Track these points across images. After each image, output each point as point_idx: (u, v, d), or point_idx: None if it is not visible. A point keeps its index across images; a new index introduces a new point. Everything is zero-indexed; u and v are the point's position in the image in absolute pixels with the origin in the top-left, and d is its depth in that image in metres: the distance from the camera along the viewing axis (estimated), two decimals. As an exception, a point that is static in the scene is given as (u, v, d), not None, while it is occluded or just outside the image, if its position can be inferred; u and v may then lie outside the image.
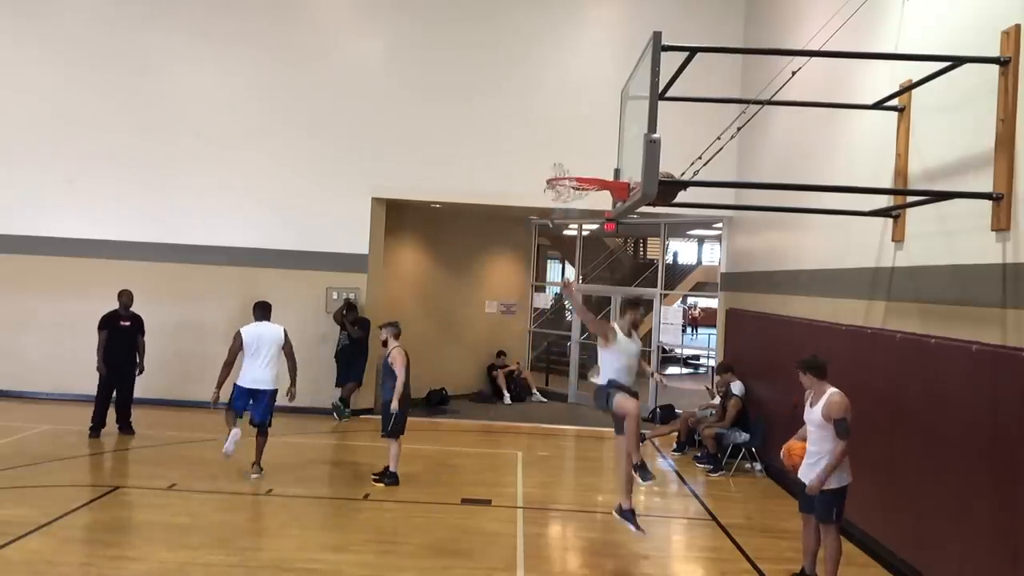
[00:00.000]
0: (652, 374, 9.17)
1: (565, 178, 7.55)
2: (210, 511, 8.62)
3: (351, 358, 14.30)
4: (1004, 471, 5.78)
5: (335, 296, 14.46)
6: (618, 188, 7.20)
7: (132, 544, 7.47)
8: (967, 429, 6.29)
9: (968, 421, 6.28)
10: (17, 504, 8.43)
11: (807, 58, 7.88)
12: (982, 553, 6.05)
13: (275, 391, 10.00)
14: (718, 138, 8.87)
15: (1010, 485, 5.71)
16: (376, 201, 14.65)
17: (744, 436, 11.44)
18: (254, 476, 9.76)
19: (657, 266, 18.37)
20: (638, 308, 7.95)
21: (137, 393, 12.12)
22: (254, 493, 9.35)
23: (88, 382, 11.99)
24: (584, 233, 19.42)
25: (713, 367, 15.43)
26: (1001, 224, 5.96)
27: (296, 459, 10.96)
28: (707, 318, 27.43)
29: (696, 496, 10.37)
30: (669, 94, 6.59)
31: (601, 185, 7.46)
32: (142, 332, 12.12)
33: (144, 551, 7.29)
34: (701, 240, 30.44)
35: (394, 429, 9.66)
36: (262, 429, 9.91)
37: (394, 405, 9.52)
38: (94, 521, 8.06)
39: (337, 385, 14.35)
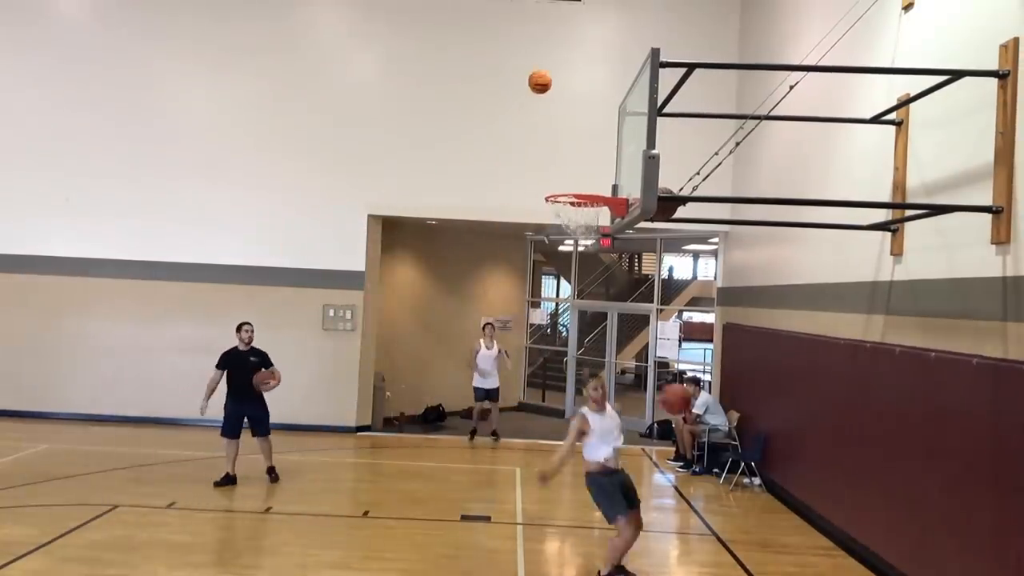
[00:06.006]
0: None
1: (563, 195, 7.56)
2: (210, 529, 8.60)
3: None
4: (1006, 485, 5.78)
5: (331, 313, 14.44)
6: (616, 204, 7.21)
7: (133, 563, 7.41)
8: (968, 443, 6.28)
9: (969, 435, 6.27)
10: (16, 524, 8.38)
11: (804, 72, 7.94)
12: (984, 568, 6.04)
13: None
14: (716, 153, 8.91)
15: (1013, 499, 5.70)
16: (372, 218, 14.65)
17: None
18: None
19: (653, 281, 18.38)
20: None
21: (138, 412, 12.02)
22: (254, 511, 9.31)
23: (84, 402, 11.92)
24: (580, 249, 19.44)
25: (709, 382, 15.40)
26: (1001, 237, 5.96)
27: (296, 476, 10.92)
28: (701, 331, 27.38)
29: (696, 511, 10.36)
30: (666, 110, 6.60)
31: (600, 201, 7.47)
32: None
33: (145, 570, 7.25)
34: (696, 255, 30.49)
35: None
36: None
37: None
38: (94, 540, 7.99)
39: None
